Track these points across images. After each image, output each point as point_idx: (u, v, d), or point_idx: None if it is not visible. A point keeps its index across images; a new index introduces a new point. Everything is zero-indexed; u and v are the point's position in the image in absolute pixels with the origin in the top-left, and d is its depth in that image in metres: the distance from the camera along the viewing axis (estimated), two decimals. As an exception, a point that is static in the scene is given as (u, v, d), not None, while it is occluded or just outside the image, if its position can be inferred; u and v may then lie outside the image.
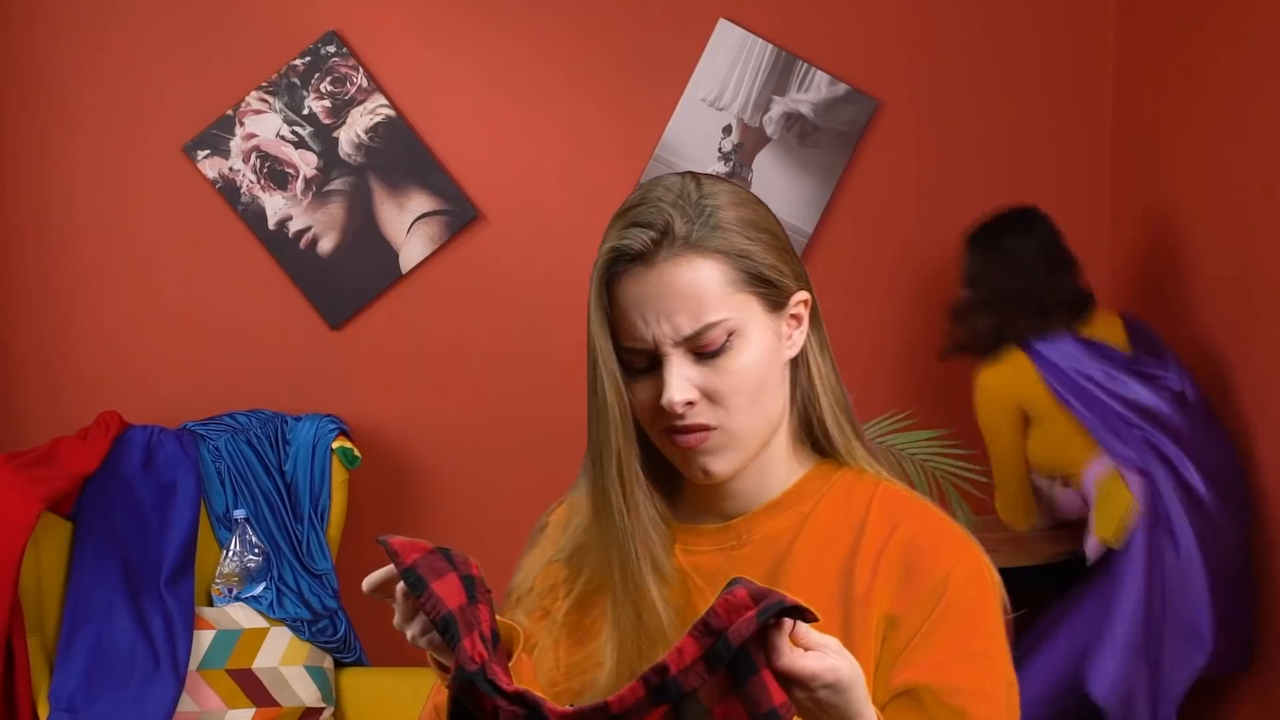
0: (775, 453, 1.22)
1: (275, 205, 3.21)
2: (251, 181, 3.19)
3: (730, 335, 1.14)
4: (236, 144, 3.19)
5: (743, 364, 1.14)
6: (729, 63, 3.26)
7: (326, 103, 3.20)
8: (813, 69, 3.26)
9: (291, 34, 3.19)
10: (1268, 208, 2.64)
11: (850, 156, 3.27)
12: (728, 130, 3.27)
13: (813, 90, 3.27)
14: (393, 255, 3.24)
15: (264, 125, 3.19)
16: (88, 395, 3.20)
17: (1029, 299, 2.79)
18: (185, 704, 2.67)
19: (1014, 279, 2.80)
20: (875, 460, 1.26)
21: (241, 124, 3.18)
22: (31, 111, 3.16)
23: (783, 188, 3.29)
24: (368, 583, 1.09)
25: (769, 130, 3.28)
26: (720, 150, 3.28)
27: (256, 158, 3.19)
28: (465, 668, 0.98)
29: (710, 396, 1.14)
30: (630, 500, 1.17)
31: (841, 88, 3.26)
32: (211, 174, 3.19)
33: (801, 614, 0.94)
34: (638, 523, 1.17)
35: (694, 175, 1.19)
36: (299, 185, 3.21)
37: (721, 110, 3.27)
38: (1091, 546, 2.75)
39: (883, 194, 3.30)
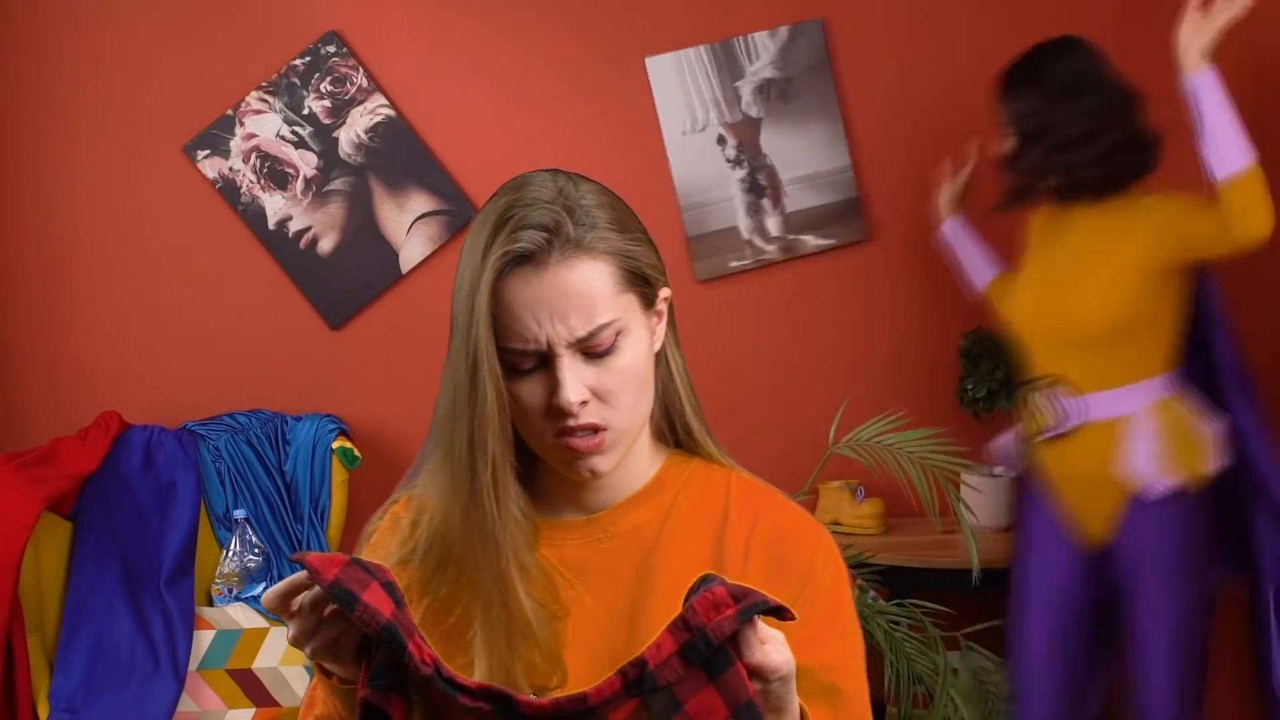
0: (640, 446, 1.25)
1: (275, 205, 3.21)
2: (251, 181, 3.20)
3: (618, 335, 1.15)
4: (236, 144, 3.19)
5: (629, 363, 1.16)
6: (679, 88, 3.26)
7: (326, 103, 3.20)
8: (748, 36, 3.26)
9: (291, 34, 3.20)
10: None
11: (834, 79, 3.28)
12: (721, 141, 3.28)
13: (762, 52, 3.27)
14: (393, 255, 3.25)
15: (264, 125, 3.19)
16: (88, 395, 3.20)
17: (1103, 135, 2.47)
18: (185, 704, 2.67)
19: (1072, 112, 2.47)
20: (723, 450, 1.29)
21: (241, 124, 3.18)
22: (32, 112, 3.17)
23: (801, 148, 3.29)
24: (269, 597, 1.05)
25: (753, 113, 3.28)
26: (728, 160, 3.28)
27: (256, 158, 3.19)
28: (418, 671, 0.98)
29: (599, 395, 1.15)
30: (501, 503, 1.17)
31: (784, 31, 3.27)
32: (211, 174, 3.19)
33: (780, 613, 0.97)
34: (505, 525, 1.17)
35: (564, 173, 1.20)
36: (299, 185, 3.21)
37: (703, 131, 3.28)
38: (1162, 484, 2.43)
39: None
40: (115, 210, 3.21)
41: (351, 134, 3.21)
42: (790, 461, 3.08)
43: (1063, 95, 2.48)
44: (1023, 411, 2.64)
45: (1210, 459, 2.45)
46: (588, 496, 1.25)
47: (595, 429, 1.15)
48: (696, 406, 1.28)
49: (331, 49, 3.18)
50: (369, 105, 3.20)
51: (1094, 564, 2.58)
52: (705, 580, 0.98)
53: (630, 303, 1.17)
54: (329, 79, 3.19)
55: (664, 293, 1.22)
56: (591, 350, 1.14)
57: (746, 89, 3.27)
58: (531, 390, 1.15)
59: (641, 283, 1.18)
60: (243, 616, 2.81)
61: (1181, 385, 2.50)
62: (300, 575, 1.02)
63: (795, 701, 1.05)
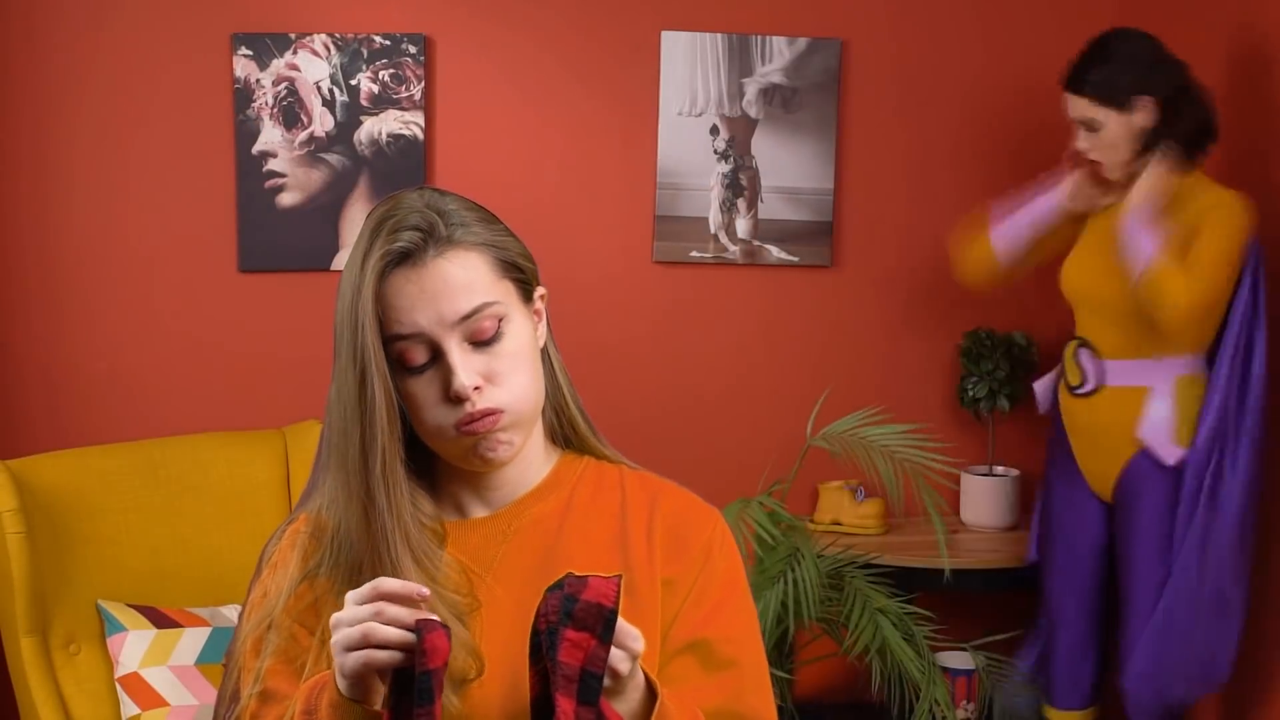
0: (535, 443, 1.34)
1: (269, 136, 3.18)
2: (266, 104, 3.17)
3: (500, 321, 1.24)
4: (277, 64, 3.16)
5: (516, 346, 1.25)
6: (687, 69, 3.27)
7: (375, 89, 3.19)
8: (767, 38, 3.27)
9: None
10: (1267, 207, 2.64)
11: (838, 102, 3.30)
12: (714, 131, 3.29)
13: (776, 57, 3.28)
14: (332, 248, 3.23)
15: (311, 67, 3.17)
16: (86, 401, 3.19)
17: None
18: (183, 698, 2.66)
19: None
20: (605, 445, 1.39)
21: (294, 52, 3.16)
22: (31, 112, 3.13)
23: (790, 160, 3.31)
24: (394, 587, 1.09)
25: (752, 113, 3.29)
26: (716, 151, 3.29)
27: (284, 87, 3.17)
28: None
29: (492, 379, 1.23)
30: (393, 499, 1.22)
31: (802, 42, 3.28)
32: (239, 72, 3.15)
33: (618, 584, 1.06)
34: (399, 522, 1.22)
35: (431, 188, 1.29)
36: (301, 136, 3.19)
37: (700, 116, 3.28)
38: (1173, 453, 2.60)
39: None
40: (115, 213, 3.19)
41: (375, 129, 3.20)
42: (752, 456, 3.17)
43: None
44: (1064, 364, 2.80)
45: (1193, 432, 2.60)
46: (488, 494, 1.32)
47: (493, 412, 1.23)
48: (579, 402, 1.38)
49: (413, 49, 3.18)
50: (406, 116, 3.20)
51: (1105, 515, 2.77)
52: (550, 633, 1.04)
53: (509, 290, 1.26)
54: (391, 72, 3.18)
55: (539, 291, 1.32)
56: (478, 338, 1.23)
57: (752, 88, 3.28)
58: (427, 386, 1.23)
59: (516, 271, 1.28)
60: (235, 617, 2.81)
61: (1206, 368, 2.63)
62: (406, 623, 1.07)
63: (639, 674, 1.13)
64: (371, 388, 1.19)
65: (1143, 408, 2.63)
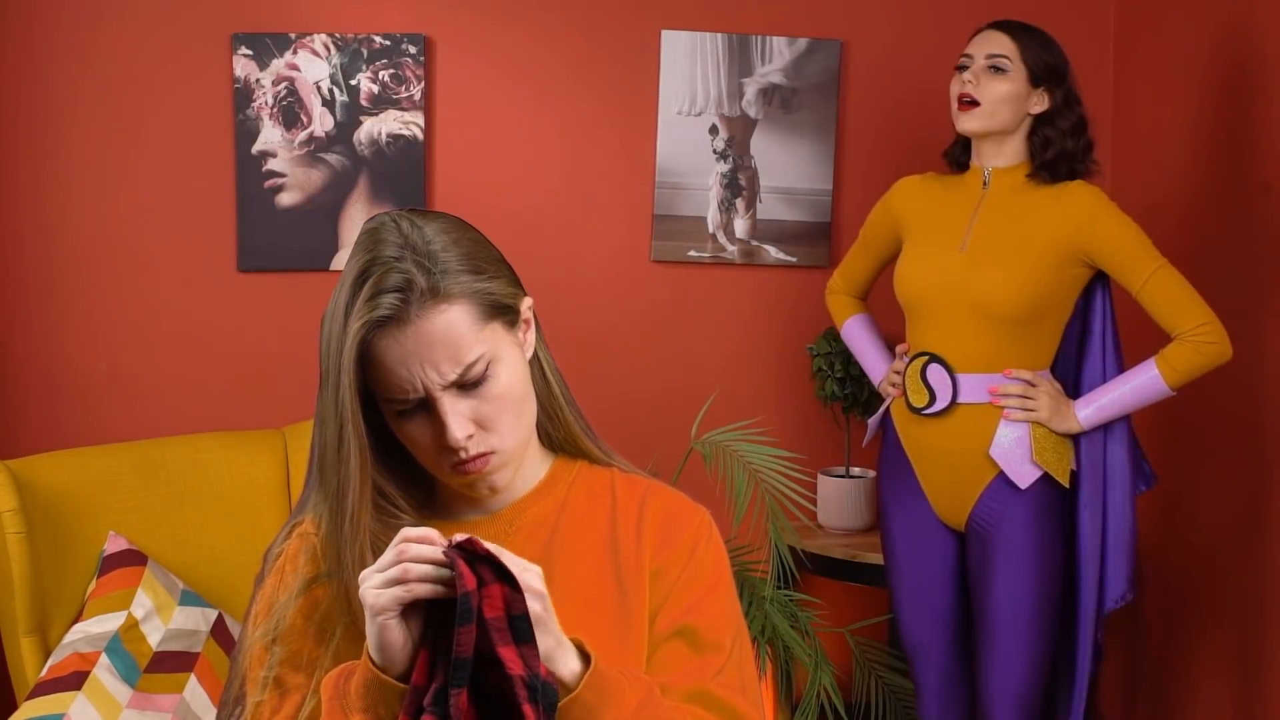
0: (530, 449, 1.35)
1: (269, 137, 3.18)
2: (266, 104, 3.18)
3: (489, 364, 1.24)
4: (277, 64, 3.16)
5: (504, 387, 1.25)
6: (687, 68, 3.28)
7: (375, 89, 3.19)
8: (766, 38, 3.28)
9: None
10: (1267, 207, 2.65)
11: (837, 103, 3.30)
12: (714, 130, 3.29)
13: (776, 57, 3.29)
14: (331, 248, 3.24)
15: (311, 67, 3.17)
16: (85, 400, 3.19)
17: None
18: (198, 697, 2.66)
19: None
20: (599, 446, 1.41)
21: (294, 52, 3.17)
22: (31, 112, 3.14)
23: (789, 160, 3.31)
24: (418, 534, 1.10)
25: (751, 113, 3.30)
26: (715, 151, 3.30)
27: (284, 87, 3.17)
28: (449, 713, 1.07)
29: (482, 423, 1.25)
30: (355, 553, 1.23)
31: (802, 43, 3.29)
32: (239, 72, 3.16)
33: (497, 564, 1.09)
34: (354, 574, 1.22)
35: (407, 218, 1.26)
36: (301, 135, 3.20)
37: (699, 115, 3.29)
38: (1029, 474, 2.48)
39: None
40: (114, 213, 3.19)
41: (375, 129, 3.21)
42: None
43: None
44: (905, 384, 2.60)
45: (1067, 463, 2.51)
46: (489, 499, 1.33)
47: (484, 455, 1.25)
48: (571, 401, 1.38)
49: (413, 49, 3.18)
50: (406, 116, 3.20)
51: (956, 542, 2.63)
52: (466, 599, 1.07)
53: (494, 331, 1.25)
54: (391, 72, 3.18)
55: (526, 303, 1.31)
56: (467, 384, 1.23)
57: (751, 88, 3.28)
58: (420, 430, 1.24)
59: (502, 310, 1.26)
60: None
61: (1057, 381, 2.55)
62: (432, 548, 1.09)
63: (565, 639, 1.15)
64: (347, 446, 1.21)
65: (999, 426, 2.48)
